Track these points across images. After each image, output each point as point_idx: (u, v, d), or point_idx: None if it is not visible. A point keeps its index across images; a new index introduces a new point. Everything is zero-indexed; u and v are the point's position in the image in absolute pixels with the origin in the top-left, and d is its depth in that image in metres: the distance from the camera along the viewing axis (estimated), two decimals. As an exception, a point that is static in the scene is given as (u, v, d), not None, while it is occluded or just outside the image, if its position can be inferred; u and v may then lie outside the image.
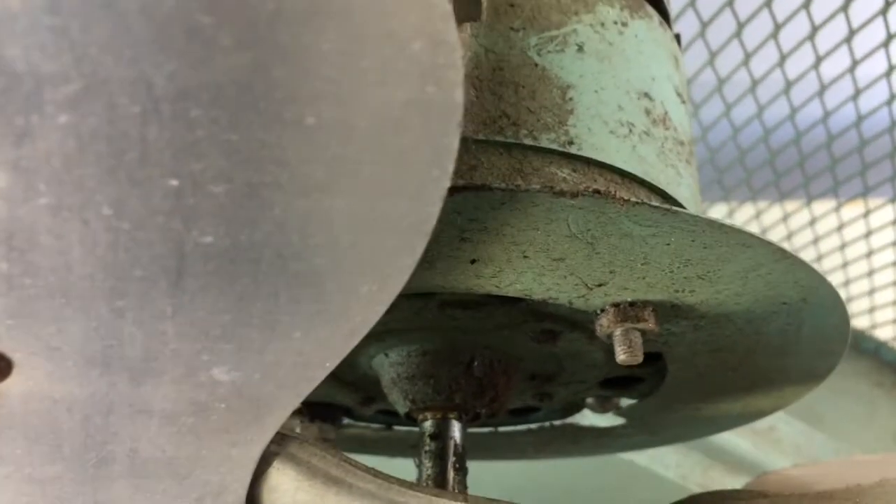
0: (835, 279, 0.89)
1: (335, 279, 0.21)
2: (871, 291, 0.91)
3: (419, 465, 0.36)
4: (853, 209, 0.86)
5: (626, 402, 0.44)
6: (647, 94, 0.33)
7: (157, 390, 0.23)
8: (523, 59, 0.30)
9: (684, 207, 0.33)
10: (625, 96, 0.32)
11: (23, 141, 0.16)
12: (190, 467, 0.26)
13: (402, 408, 0.37)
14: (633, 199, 0.24)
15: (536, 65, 0.30)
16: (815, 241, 0.89)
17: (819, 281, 0.29)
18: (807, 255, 0.88)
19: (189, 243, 0.19)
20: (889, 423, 0.92)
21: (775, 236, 0.89)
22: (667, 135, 0.33)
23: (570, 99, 0.30)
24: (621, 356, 0.29)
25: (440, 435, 0.36)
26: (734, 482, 0.74)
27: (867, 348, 0.96)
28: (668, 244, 0.26)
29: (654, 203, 0.24)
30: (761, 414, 0.42)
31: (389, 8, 0.16)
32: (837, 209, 0.86)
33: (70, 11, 0.14)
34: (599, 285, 0.28)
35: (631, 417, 0.44)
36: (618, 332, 0.29)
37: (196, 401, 0.23)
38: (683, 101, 0.36)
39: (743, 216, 0.90)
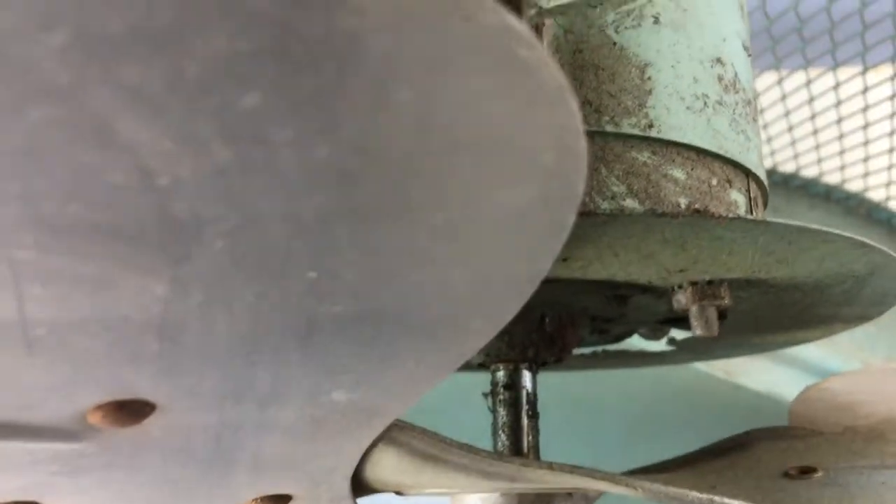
0: (881, 146, 0.89)
1: (450, 321, 0.22)
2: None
3: (494, 413, 0.39)
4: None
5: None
6: (719, 60, 0.33)
7: (282, 412, 0.25)
8: (602, 39, 0.30)
9: (755, 173, 0.34)
10: (699, 66, 0.32)
11: (181, 263, 0.17)
12: (305, 459, 0.28)
13: (476, 360, 0.39)
14: (730, 214, 0.25)
15: (615, 44, 0.30)
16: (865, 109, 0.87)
17: (891, 260, 0.30)
18: (856, 123, 0.87)
19: (320, 313, 0.20)
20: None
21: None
22: (737, 99, 0.33)
23: (649, 78, 0.30)
24: (698, 331, 0.30)
25: (513, 385, 0.38)
26: (759, 365, 0.77)
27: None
28: (756, 243, 0.27)
29: (749, 217, 0.25)
30: (806, 342, 0.44)
31: (526, 133, 0.16)
32: (893, 78, 0.83)
33: (235, 173, 0.15)
34: (681, 271, 0.29)
35: (680, 345, 0.46)
36: (694, 308, 0.30)
37: (315, 416, 0.25)
38: (749, 54, 0.36)
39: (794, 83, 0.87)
